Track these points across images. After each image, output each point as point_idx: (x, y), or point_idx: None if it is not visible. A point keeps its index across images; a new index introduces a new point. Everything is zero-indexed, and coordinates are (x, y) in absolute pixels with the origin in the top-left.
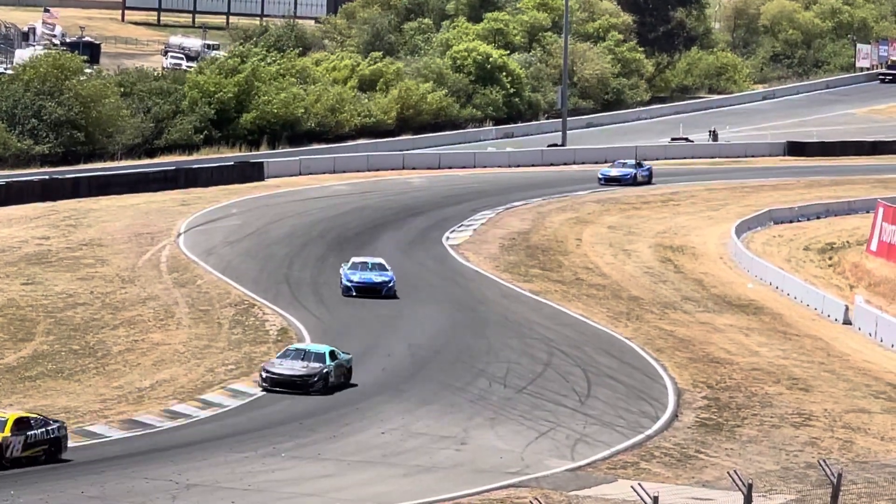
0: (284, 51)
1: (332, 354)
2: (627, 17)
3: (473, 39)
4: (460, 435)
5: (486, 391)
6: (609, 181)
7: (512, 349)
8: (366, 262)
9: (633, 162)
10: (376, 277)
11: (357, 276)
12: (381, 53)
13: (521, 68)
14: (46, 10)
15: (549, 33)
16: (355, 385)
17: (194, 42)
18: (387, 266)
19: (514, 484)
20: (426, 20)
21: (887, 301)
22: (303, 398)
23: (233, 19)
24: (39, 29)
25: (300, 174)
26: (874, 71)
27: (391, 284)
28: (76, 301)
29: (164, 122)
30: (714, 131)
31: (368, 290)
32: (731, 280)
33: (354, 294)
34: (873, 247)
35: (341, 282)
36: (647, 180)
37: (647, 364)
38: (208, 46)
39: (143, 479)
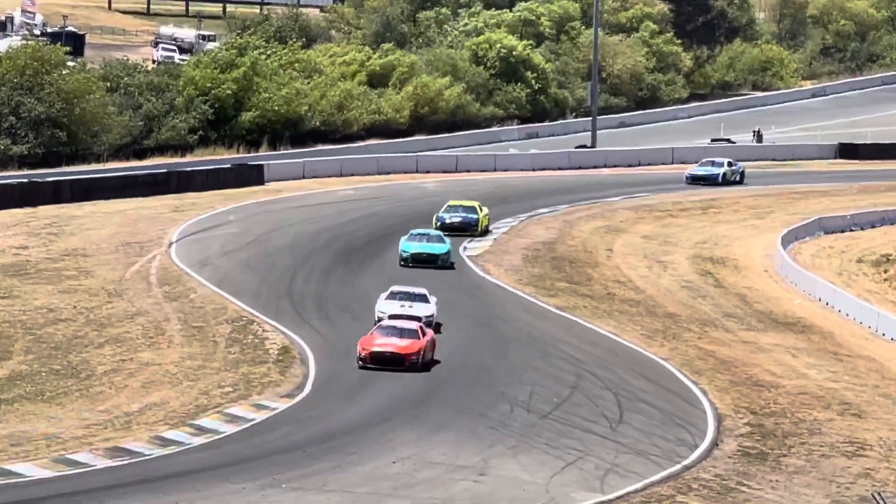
0: (287, 42)
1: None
2: (663, 7)
3: (501, 28)
4: (479, 465)
5: (508, 416)
6: (695, 181)
7: (536, 370)
8: (425, 234)
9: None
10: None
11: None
12: (391, 45)
13: (546, 62)
14: None
15: (578, 23)
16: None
17: (188, 33)
18: (444, 238)
19: None
20: (444, 10)
21: None
22: (305, 424)
23: (230, 7)
24: (18, 18)
25: (304, 178)
26: None
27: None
28: (57, 317)
29: (154, 121)
30: (758, 132)
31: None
32: (777, 295)
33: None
34: None
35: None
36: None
37: (684, 387)
38: (203, 37)
39: None
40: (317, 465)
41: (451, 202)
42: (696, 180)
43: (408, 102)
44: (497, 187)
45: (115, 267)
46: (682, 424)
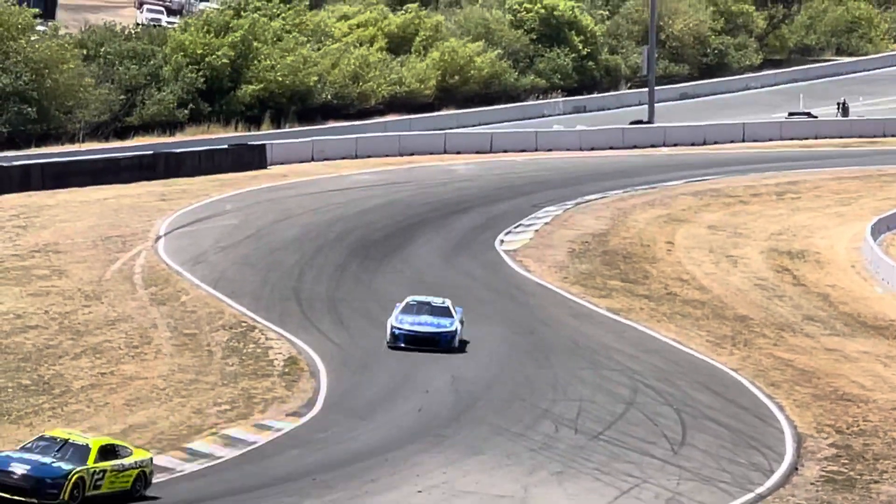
0: (292, 2)
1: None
2: None
3: None
4: (519, 494)
5: (552, 437)
6: (412, 343)
7: (585, 383)
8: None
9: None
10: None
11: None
12: (415, 5)
13: (595, 23)
14: None
15: None
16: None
17: None
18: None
19: None
20: None
21: None
22: (316, 447)
23: None
24: None
25: (313, 160)
26: None
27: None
28: (26, 323)
29: (138, 94)
30: (843, 104)
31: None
32: (866, 295)
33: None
34: None
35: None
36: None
37: (758, 402)
38: None
39: None
40: (329, 494)
41: None
42: (412, 342)
43: (434, 71)
44: (539, 170)
45: (93, 265)
46: (755, 446)
